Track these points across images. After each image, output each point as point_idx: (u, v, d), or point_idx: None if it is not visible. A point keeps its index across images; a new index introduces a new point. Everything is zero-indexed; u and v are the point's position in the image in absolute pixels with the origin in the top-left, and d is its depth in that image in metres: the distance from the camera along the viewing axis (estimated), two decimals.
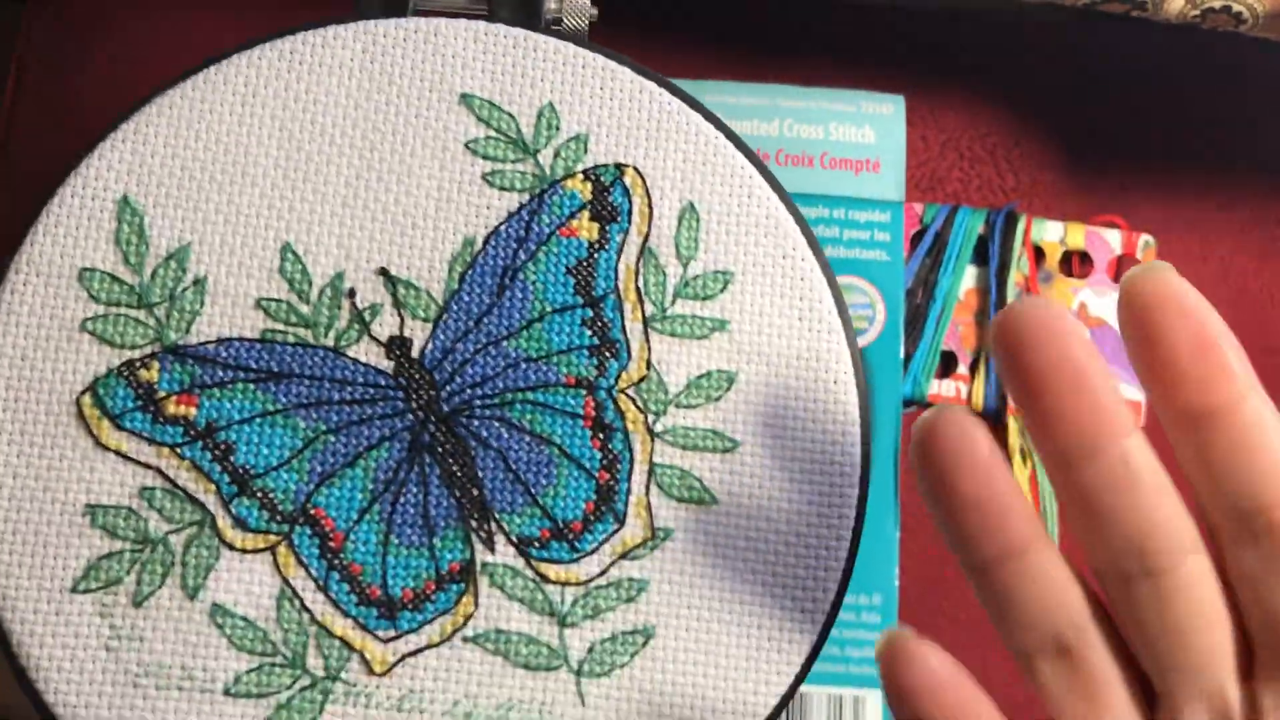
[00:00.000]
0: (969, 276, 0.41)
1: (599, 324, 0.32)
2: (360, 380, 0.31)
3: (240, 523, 0.31)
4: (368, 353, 0.32)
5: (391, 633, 0.31)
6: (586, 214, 0.33)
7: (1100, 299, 0.41)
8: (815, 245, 0.33)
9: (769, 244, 0.33)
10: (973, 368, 0.41)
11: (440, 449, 0.31)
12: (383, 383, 0.32)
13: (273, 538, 0.31)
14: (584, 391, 0.32)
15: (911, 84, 0.43)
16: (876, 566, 0.38)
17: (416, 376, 0.32)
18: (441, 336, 0.32)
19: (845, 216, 0.40)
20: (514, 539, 0.31)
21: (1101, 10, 0.36)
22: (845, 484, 0.32)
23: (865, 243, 0.40)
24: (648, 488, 0.32)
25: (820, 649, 0.32)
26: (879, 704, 0.38)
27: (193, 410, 0.31)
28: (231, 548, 0.31)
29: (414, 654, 0.31)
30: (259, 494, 0.31)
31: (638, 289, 0.32)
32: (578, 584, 0.31)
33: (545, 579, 0.31)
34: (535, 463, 0.32)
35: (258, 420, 0.31)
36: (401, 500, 0.31)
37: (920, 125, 0.43)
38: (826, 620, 0.32)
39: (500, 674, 0.31)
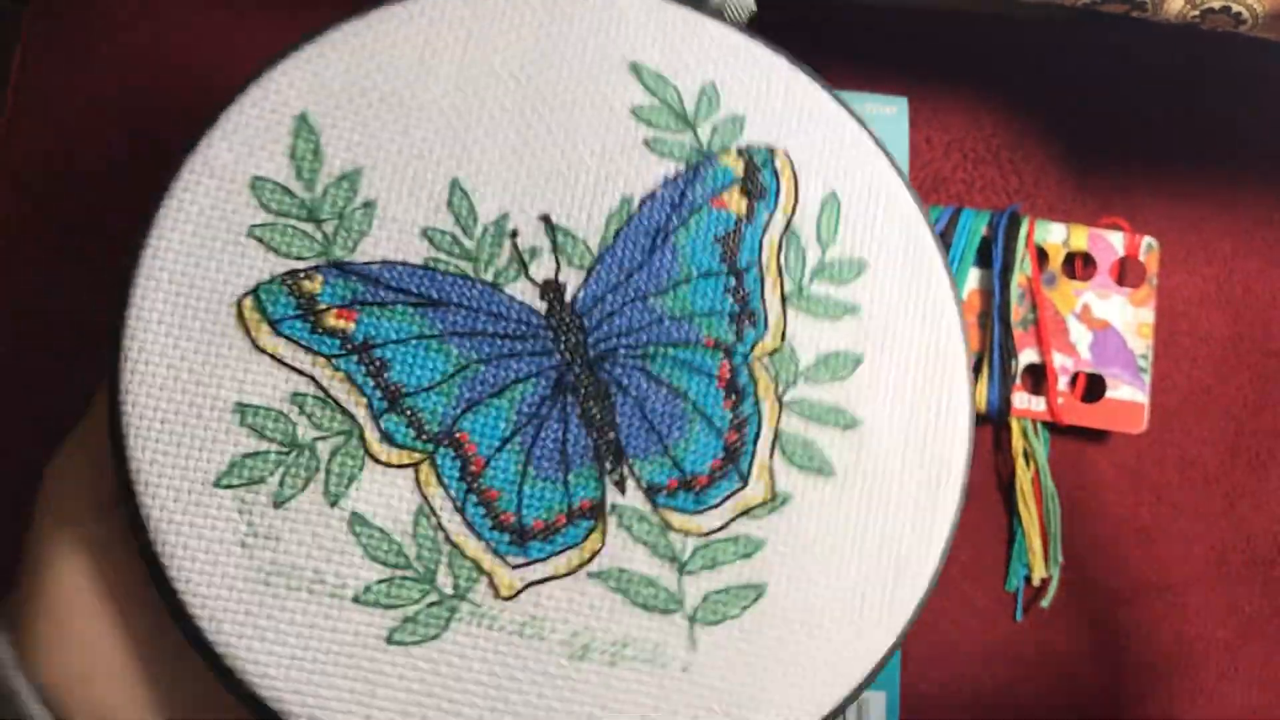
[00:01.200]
0: (972, 278, 0.43)
1: (740, 292, 0.35)
2: (514, 317, 0.34)
3: (388, 437, 0.33)
4: (524, 292, 0.34)
5: (521, 560, 0.33)
6: (738, 189, 0.36)
7: (1103, 301, 0.42)
8: (939, 243, 0.37)
9: (901, 238, 0.36)
10: (976, 369, 0.42)
11: (583, 390, 0.34)
12: (535, 321, 0.34)
13: (417, 455, 0.33)
14: (721, 354, 0.35)
15: (915, 86, 0.44)
16: None
17: (567, 320, 0.34)
18: (594, 285, 0.35)
19: None
20: (643, 484, 0.34)
21: (1102, 11, 0.37)
22: (951, 473, 0.35)
23: None
24: (772, 453, 0.35)
25: (910, 628, 0.35)
26: (883, 705, 0.40)
27: (351, 325, 0.33)
28: (376, 460, 0.33)
29: (540, 582, 0.33)
30: (408, 412, 0.33)
31: (779, 265, 0.36)
32: (699, 534, 0.34)
33: (669, 526, 0.34)
34: (669, 414, 0.34)
35: (413, 342, 0.33)
36: (542, 434, 0.34)
37: (924, 127, 0.44)
38: (922, 600, 0.35)
39: (619, 611, 0.33)
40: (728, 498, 0.34)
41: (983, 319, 0.43)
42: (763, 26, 0.42)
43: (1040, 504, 0.42)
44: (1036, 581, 0.42)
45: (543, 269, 0.34)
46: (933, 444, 0.35)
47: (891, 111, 0.43)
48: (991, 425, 0.43)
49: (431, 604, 0.32)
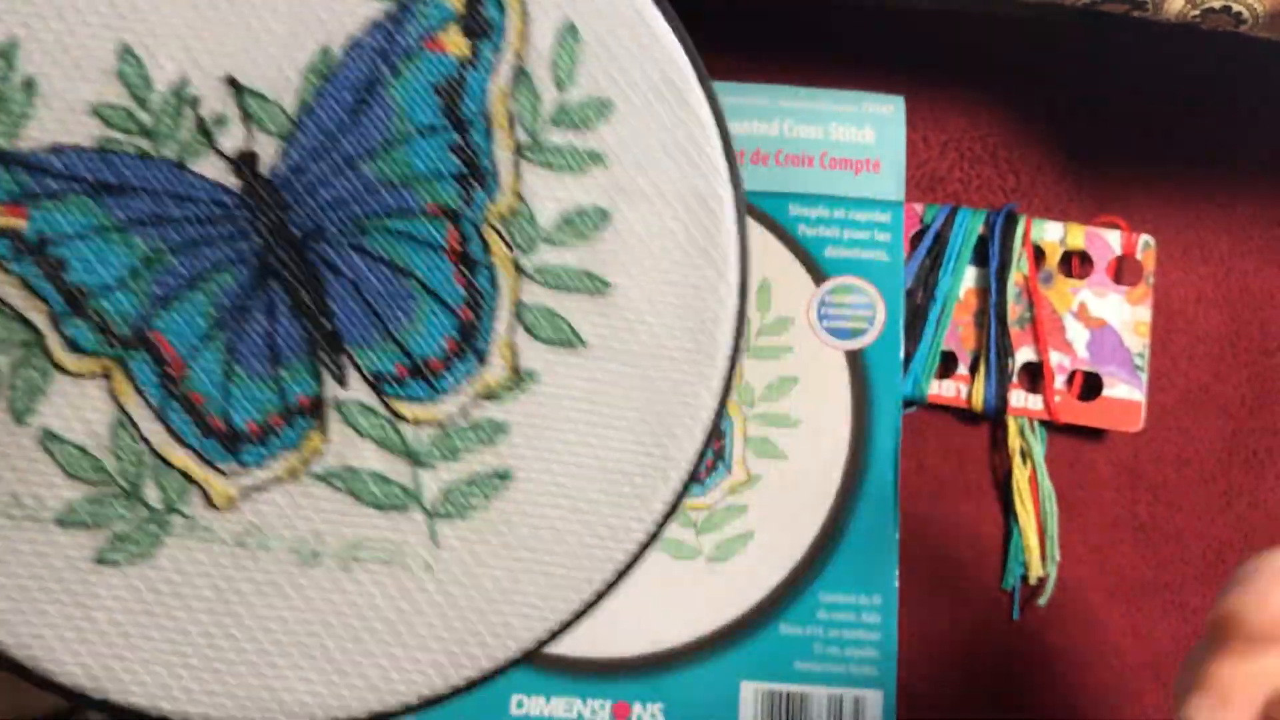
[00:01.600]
0: (969, 277, 0.42)
1: (466, 150, 0.31)
2: (205, 198, 0.31)
3: (72, 344, 0.30)
4: (213, 168, 0.31)
5: (235, 466, 0.31)
6: (457, 27, 0.31)
7: (1100, 299, 0.43)
8: (705, 79, 0.32)
9: (655, 74, 0.32)
10: (973, 368, 0.42)
11: (289, 275, 0.31)
12: (229, 201, 0.31)
13: (107, 362, 0.30)
14: (448, 222, 0.31)
15: (912, 84, 0.44)
16: (876, 567, 0.39)
17: (265, 196, 0.31)
18: (294, 154, 0.31)
19: (845, 216, 0.41)
20: (367, 375, 0.31)
21: (1102, 11, 0.36)
22: (719, 332, 0.32)
23: (865, 243, 0.41)
24: (513, 328, 0.31)
25: (679, 504, 0.33)
26: (879, 704, 0.38)
27: (22, 222, 0.30)
28: (63, 370, 0.30)
29: (258, 489, 0.31)
30: (93, 314, 0.30)
31: (510, 114, 0.32)
32: (434, 424, 0.31)
33: (400, 417, 0.31)
34: (392, 295, 0.31)
35: (93, 236, 0.30)
36: (247, 328, 0.31)
37: (920, 125, 0.44)
38: (688, 471, 0.32)
39: (350, 513, 0.31)
40: (465, 381, 0.31)
41: (979, 317, 0.42)
42: (759, 24, 0.42)
43: (1037, 502, 0.42)
44: (1033, 580, 0.42)
45: (233, 140, 0.31)
46: (697, 304, 0.32)
47: (888, 110, 0.41)
48: (988, 423, 0.43)
49: (141, 520, 0.30)
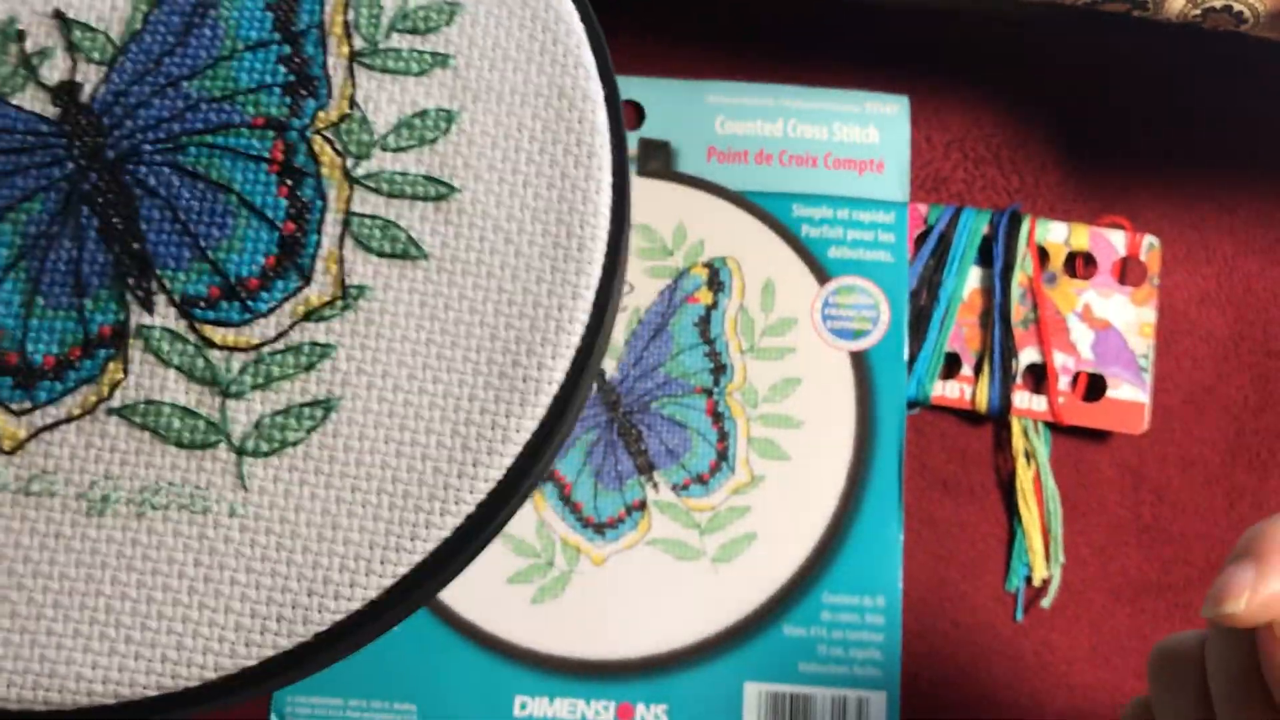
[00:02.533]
0: (973, 277, 0.43)
1: (296, 60, 0.30)
2: (20, 129, 0.29)
3: None
4: (34, 101, 0.30)
5: (26, 404, 0.28)
6: None
7: (1105, 300, 0.43)
8: None
9: None
10: (976, 369, 0.42)
11: (101, 200, 0.29)
12: (44, 129, 0.29)
13: None
14: (273, 133, 0.29)
15: (916, 84, 0.45)
16: (880, 568, 0.39)
17: (83, 122, 0.29)
18: (116, 79, 0.30)
19: (849, 217, 0.41)
20: (176, 298, 0.28)
21: (1103, 10, 0.38)
22: (588, 236, 0.28)
23: (869, 243, 0.41)
24: (341, 240, 0.28)
25: (554, 434, 0.28)
26: (883, 705, 0.38)
27: None
28: None
29: (50, 428, 0.28)
30: None
31: (346, 22, 0.30)
32: (248, 348, 0.28)
33: (209, 343, 0.28)
34: (208, 213, 0.29)
35: None
36: (51, 257, 0.29)
37: (924, 125, 0.45)
38: (558, 397, 0.28)
39: (147, 452, 0.27)
40: (285, 300, 0.28)
41: (984, 318, 0.43)
42: (762, 23, 0.44)
43: (1041, 503, 0.43)
44: (1037, 581, 0.43)
45: (57, 71, 0.30)
46: (559, 206, 0.28)
47: (892, 110, 0.43)
48: (992, 424, 0.44)
49: None
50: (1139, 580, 0.44)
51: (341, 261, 0.28)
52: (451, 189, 0.28)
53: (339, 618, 0.26)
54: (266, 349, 0.28)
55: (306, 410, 0.27)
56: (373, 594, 0.26)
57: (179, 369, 0.28)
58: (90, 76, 0.30)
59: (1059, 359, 0.42)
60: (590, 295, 0.28)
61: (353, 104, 0.29)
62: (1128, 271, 0.44)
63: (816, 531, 0.38)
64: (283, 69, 0.30)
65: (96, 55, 0.30)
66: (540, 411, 0.27)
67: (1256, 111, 0.47)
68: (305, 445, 0.27)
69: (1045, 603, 0.42)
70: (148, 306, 0.28)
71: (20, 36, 0.30)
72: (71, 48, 0.30)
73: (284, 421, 0.27)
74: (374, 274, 0.28)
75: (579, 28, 0.30)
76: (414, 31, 0.30)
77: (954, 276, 0.42)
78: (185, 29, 0.30)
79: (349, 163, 0.29)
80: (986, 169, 0.45)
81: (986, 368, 0.42)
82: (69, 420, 0.28)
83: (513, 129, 0.29)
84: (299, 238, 0.28)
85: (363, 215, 0.28)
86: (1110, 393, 0.42)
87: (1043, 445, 0.43)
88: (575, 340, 0.28)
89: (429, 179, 0.29)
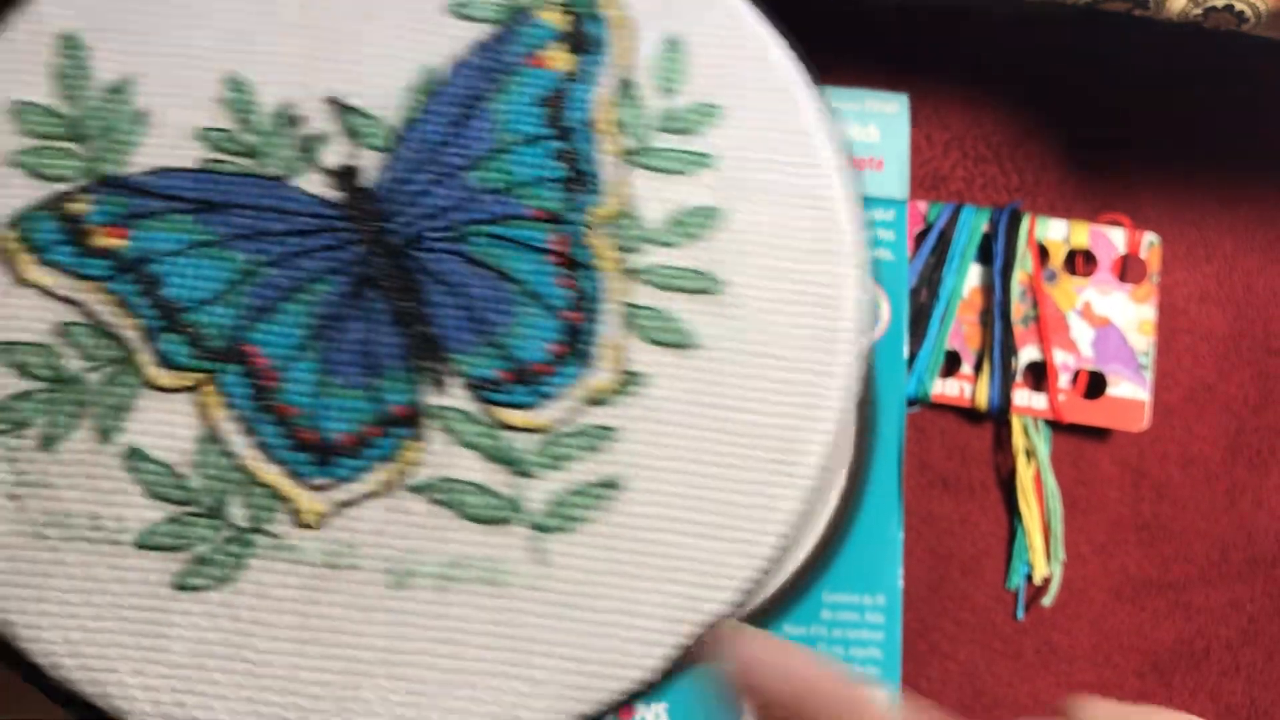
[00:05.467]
0: (973, 275, 0.46)
1: (570, 155, 0.35)
2: (305, 211, 0.34)
3: (164, 359, 0.33)
4: (315, 184, 0.34)
5: (326, 480, 0.32)
6: (560, 45, 0.35)
7: (1104, 298, 0.46)
8: (810, 83, 0.35)
9: (760, 79, 0.35)
10: (977, 367, 0.45)
11: (388, 283, 0.34)
12: (329, 213, 0.34)
13: (199, 376, 0.33)
14: (551, 226, 0.34)
15: (916, 82, 0.48)
16: (880, 566, 0.42)
17: (366, 207, 0.34)
18: (396, 166, 0.34)
19: None
20: (468, 381, 0.33)
21: (1104, 9, 0.40)
22: (840, 330, 0.33)
23: (869, 241, 0.43)
24: (621, 330, 0.33)
25: (810, 517, 0.33)
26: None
27: (123, 242, 0.34)
28: (152, 386, 0.33)
29: (350, 504, 0.32)
30: (187, 329, 0.33)
31: (615, 121, 0.35)
32: (539, 430, 0.33)
33: (502, 424, 0.33)
34: (494, 300, 0.34)
35: (191, 251, 0.34)
36: (343, 338, 0.33)
37: (924, 124, 0.48)
38: (812, 483, 0.33)
39: (448, 527, 0.32)
40: (571, 385, 0.33)
41: (984, 316, 0.46)
42: None
43: (1041, 501, 0.45)
44: (1038, 580, 0.45)
45: (336, 155, 0.34)
46: (813, 302, 0.34)
47: (892, 109, 0.45)
48: (992, 422, 0.46)
49: (224, 541, 0.32)
50: (1140, 578, 0.47)
51: (620, 350, 0.33)
52: (720, 283, 0.34)
53: (631, 687, 0.31)
54: (556, 431, 0.33)
55: (596, 489, 0.32)
56: (659, 665, 0.31)
57: (475, 448, 0.32)
58: (369, 162, 0.34)
59: (1059, 357, 0.45)
60: (839, 384, 0.33)
61: (625, 200, 0.34)
62: (1128, 269, 0.47)
63: (817, 530, 0.39)
64: (558, 164, 0.34)
65: (375, 141, 0.34)
66: (795, 502, 0.33)
67: (1257, 109, 0.50)
68: (595, 524, 0.32)
69: (1046, 601, 0.45)
70: (440, 388, 0.33)
71: (298, 120, 0.35)
72: (351, 133, 0.34)
73: (576, 500, 0.32)
74: (651, 361, 0.33)
75: (823, 133, 0.35)
76: (679, 132, 0.35)
77: (954, 274, 0.45)
78: (460, 120, 0.35)
79: (624, 256, 0.34)
80: (986, 167, 0.48)
81: (987, 365, 0.45)
82: (371, 497, 0.32)
83: (772, 229, 0.34)
84: (581, 326, 0.33)
85: (639, 306, 0.33)
86: (1110, 390, 0.45)
87: (1043, 443, 0.45)
88: (831, 425, 0.33)
89: (698, 273, 0.34)
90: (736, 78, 0.35)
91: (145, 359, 0.33)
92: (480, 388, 0.33)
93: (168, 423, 0.32)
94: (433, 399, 0.33)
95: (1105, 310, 0.46)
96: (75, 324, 0.33)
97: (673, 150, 0.34)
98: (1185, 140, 0.50)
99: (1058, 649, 0.46)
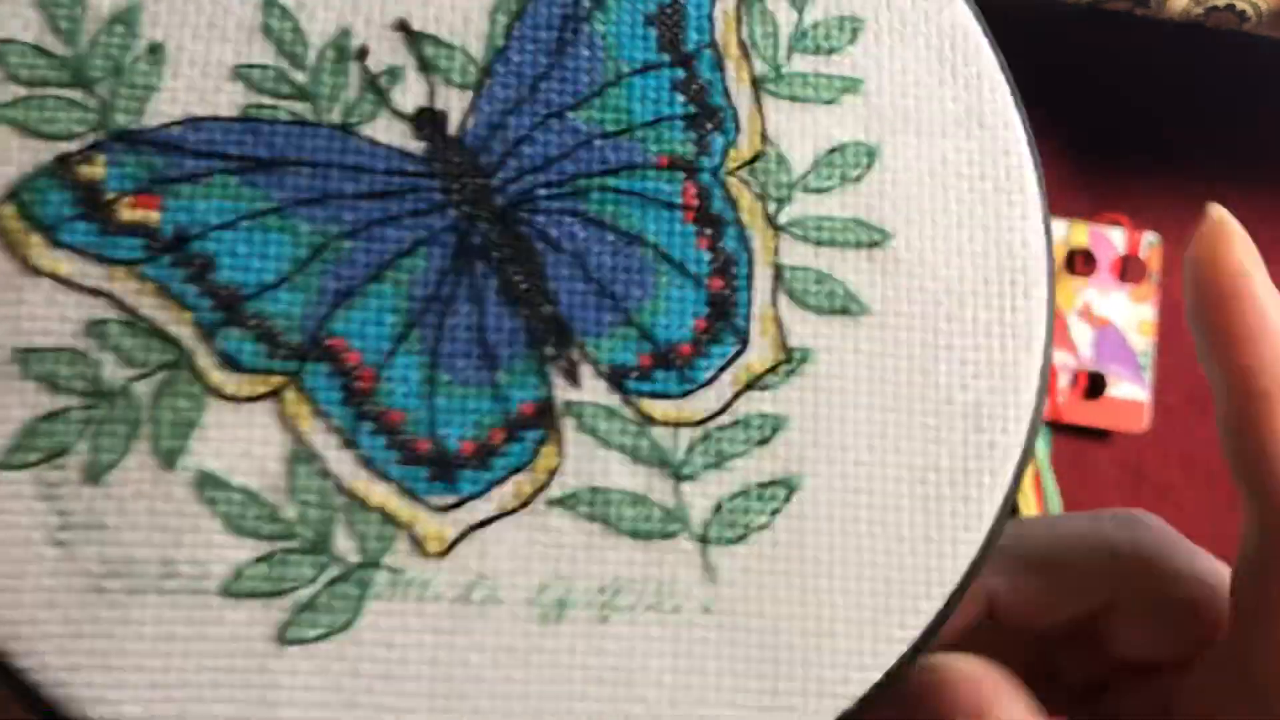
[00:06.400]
0: None
1: (694, 87, 0.30)
2: (382, 167, 0.28)
3: (230, 361, 0.27)
4: (389, 131, 0.29)
5: (450, 499, 0.28)
6: None
7: (1104, 298, 0.47)
8: None
9: None
10: None
11: (497, 254, 0.28)
12: (412, 169, 0.29)
13: (276, 379, 0.27)
14: (682, 174, 0.29)
15: None
16: None
17: (456, 160, 0.29)
18: (486, 108, 0.29)
19: None
20: (604, 369, 0.28)
21: (1105, 9, 0.41)
22: (1029, 281, 0.30)
23: None
24: (775, 297, 0.29)
25: (1013, 498, 0.30)
26: None
27: (154, 214, 0.28)
28: (220, 395, 0.27)
29: (482, 525, 0.28)
30: (253, 321, 0.28)
31: (742, 42, 0.30)
32: (694, 424, 0.28)
33: (650, 419, 0.28)
34: (624, 268, 0.29)
35: (245, 223, 0.28)
36: (450, 323, 0.28)
37: None
38: (1021, 458, 0.29)
39: (599, 546, 0.28)
40: (724, 367, 0.29)
41: None
42: None
43: (1041, 503, 0.46)
44: None
45: (411, 95, 0.29)
46: (996, 250, 0.30)
47: None
48: None
49: (333, 580, 0.27)
50: None
51: (779, 321, 0.29)
52: (885, 234, 0.30)
53: (833, 717, 0.28)
54: (713, 424, 0.28)
55: (767, 491, 0.28)
56: (861, 690, 0.28)
57: (621, 450, 0.28)
58: (453, 102, 0.29)
59: (1059, 357, 0.46)
60: (1040, 349, 0.30)
61: (765, 139, 0.30)
62: (1128, 269, 0.48)
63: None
64: (680, 97, 0.30)
65: (457, 77, 0.29)
66: (1006, 481, 0.29)
67: (1257, 109, 0.52)
68: (771, 530, 0.28)
69: None
70: (573, 379, 0.28)
71: (362, 54, 0.29)
72: (425, 67, 0.29)
73: (745, 504, 0.28)
74: (814, 334, 0.29)
75: (987, 45, 0.31)
76: (816, 52, 0.30)
77: None
78: (558, 47, 0.30)
79: (770, 207, 0.29)
80: None
81: None
82: (504, 515, 0.28)
83: (936, 163, 0.30)
84: (729, 295, 0.29)
85: (793, 267, 0.29)
86: (1110, 391, 0.46)
87: (1043, 444, 0.47)
88: (1032, 399, 0.30)
89: (859, 223, 0.30)
90: None
91: (206, 362, 0.27)
92: (620, 376, 0.28)
93: (244, 439, 0.27)
94: (566, 393, 0.28)
95: (1105, 310, 0.47)
96: (108, 321, 0.27)
97: (813, 75, 0.30)
98: (1185, 139, 0.51)
99: None
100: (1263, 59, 0.51)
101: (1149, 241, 0.48)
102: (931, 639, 0.29)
